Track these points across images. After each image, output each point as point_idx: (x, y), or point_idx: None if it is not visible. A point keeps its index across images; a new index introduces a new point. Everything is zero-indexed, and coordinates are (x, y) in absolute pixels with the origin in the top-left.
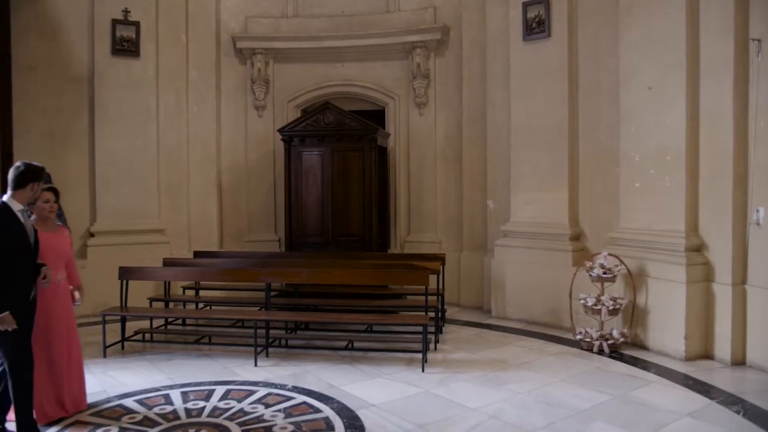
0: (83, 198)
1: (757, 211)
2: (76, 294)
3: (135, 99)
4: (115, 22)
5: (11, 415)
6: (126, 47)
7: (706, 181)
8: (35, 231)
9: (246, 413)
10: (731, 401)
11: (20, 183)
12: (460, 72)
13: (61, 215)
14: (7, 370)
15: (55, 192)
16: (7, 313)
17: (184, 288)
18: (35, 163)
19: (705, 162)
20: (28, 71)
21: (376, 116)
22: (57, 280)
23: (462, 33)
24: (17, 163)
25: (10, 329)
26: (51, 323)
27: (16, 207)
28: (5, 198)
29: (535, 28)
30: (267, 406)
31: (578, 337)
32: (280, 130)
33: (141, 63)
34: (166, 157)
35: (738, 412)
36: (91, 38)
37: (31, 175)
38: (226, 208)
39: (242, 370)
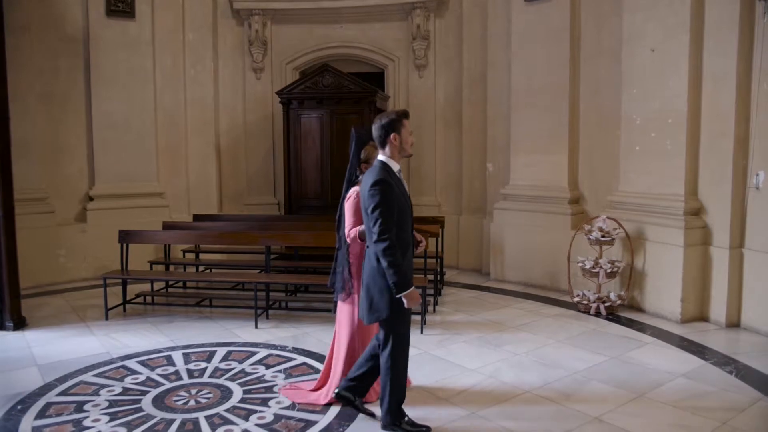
0: (81, 161)
1: (757, 175)
2: None
3: (131, 61)
4: None
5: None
6: (121, 8)
7: (707, 145)
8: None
9: (247, 374)
10: (725, 362)
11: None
12: (461, 33)
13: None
14: (385, 355)
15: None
16: (413, 288)
17: (184, 251)
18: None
19: (706, 125)
20: (21, 32)
21: (376, 78)
22: None
23: None
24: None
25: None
26: None
27: (395, 167)
28: (381, 157)
29: None
30: (268, 366)
31: (576, 299)
32: (279, 93)
33: (136, 24)
34: (164, 120)
35: (731, 373)
36: None
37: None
38: (225, 171)
39: (243, 331)
